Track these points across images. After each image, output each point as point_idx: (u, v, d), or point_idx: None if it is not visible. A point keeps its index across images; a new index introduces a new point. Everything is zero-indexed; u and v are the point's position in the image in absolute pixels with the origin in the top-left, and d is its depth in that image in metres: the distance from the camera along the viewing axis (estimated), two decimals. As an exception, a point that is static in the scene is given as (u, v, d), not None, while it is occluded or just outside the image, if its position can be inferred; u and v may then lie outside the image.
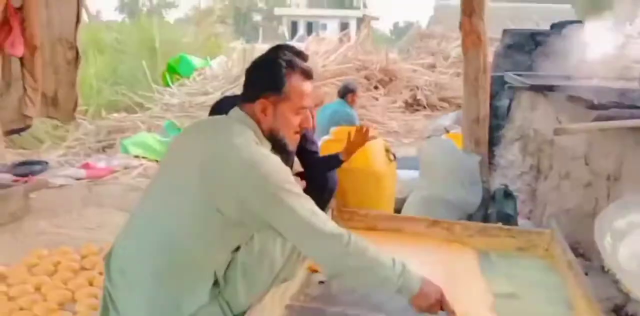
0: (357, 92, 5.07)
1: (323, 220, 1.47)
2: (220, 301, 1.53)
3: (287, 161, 2.33)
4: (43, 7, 4.45)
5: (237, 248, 1.59)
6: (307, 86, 1.59)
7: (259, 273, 1.61)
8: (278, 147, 1.60)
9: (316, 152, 2.71)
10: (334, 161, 2.65)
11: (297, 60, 1.58)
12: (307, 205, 1.46)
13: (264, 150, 1.50)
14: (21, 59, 4.32)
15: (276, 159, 1.48)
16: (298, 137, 1.65)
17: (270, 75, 1.55)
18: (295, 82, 1.55)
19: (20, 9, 4.22)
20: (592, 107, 2.57)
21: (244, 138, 1.48)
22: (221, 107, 2.42)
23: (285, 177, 1.46)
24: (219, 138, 1.49)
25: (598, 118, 2.38)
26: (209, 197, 1.43)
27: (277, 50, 1.60)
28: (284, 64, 1.54)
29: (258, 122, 1.55)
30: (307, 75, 1.59)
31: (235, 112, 1.59)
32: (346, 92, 5.00)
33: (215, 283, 1.52)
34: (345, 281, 1.65)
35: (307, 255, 1.56)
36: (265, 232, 1.59)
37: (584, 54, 3.79)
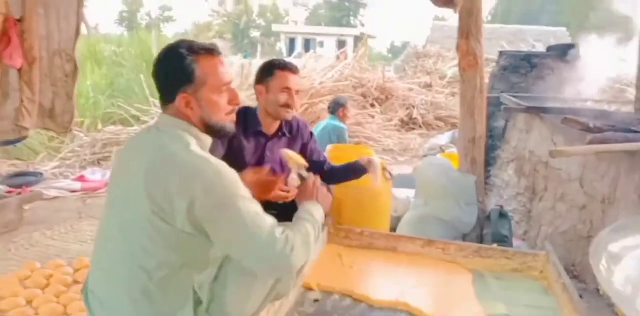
0: (347, 106, 5.00)
1: (267, 228, 1.39)
2: None
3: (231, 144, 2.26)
4: (43, 20, 4.46)
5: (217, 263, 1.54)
6: (218, 62, 1.50)
7: (252, 290, 1.58)
8: (217, 133, 1.53)
9: (325, 161, 2.63)
10: (359, 168, 2.52)
11: (196, 43, 1.50)
12: (253, 220, 1.39)
13: (203, 153, 1.43)
14: (19, 71, 4.32)
15: (216, 163, 1.40)
16: (233, 116, 1.57)
17: (177, 68, 1.45)
18: (204, 63, 1.47)
19: (19, 20, 4.23)
20: (588, 129, 2.60)
21: (180, 143, 1.42)
22: None
23: (228, 185, 1.38)
24: (155, 149, 1.42)
25: (593, 142, 2.41)
26: (158, 211, 1.36)
27: (173, 45, 1.51)
28: (185, 52, 1.46)
29: (188, 119, 1.48)
30: (213, 52, 1.50)
31: (162, 118, 1.51)
32: (336, 107, 4.97)
33: (198, 301, 1.47)
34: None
35: (246, 262, 1.44)
36: None
37: (579, 76, 3.85)
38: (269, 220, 1.42)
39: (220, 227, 1.37)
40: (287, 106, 2.34)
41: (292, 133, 2.52)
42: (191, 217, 1.35)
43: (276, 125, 2.44)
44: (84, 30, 4.95)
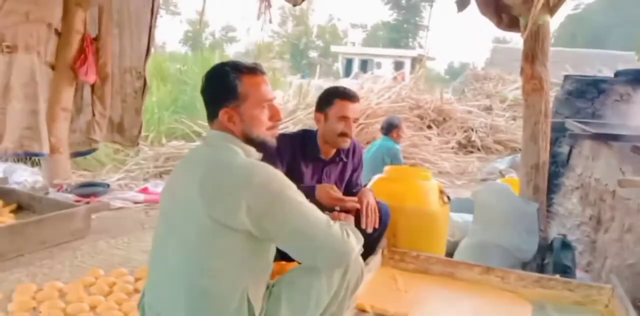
0: (402, 126, 4.93)
1: (326, 224, 1.51)
2: None
3: (273, 160, 2.30)
4: (116, 38, 4.73)
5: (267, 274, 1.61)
6: (260, 80, 1.60)
7: (305, 309, 1.59)
8: (258, 146, 1.62)
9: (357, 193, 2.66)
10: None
11: (241, 62, 1.61)
12: (311, 211, 1.50)
13: (253, 160, 1.55)
14: (92, 86, 4.59)
15: (267, 166, 1.50)
16: (275, 131, 1.66)
17: (221, 84, 1.57)
18: (246, 80, 1.57)
19: (95, 39, 4.50)
20: (659, 159, 2.49)
21: (229, 152, 1.52)
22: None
23: (281, 182, 1.48)
24: (207, 161, 1.51)
25: (666, 172, 2.30)
26: (217, 216, 1.42)
27: (219, 64, 1.63)
28: (229, 69, 1.57)
29: (232, 132, 1.57)
30: (256, 70, 1.60)
31: (209, 133, 1.61)
32: (390, 128, 4.92)
33: (252, 311, 1.51)
34: None
35: (309, 252, 1.53)
36: (309, 267, 1.60)
37: (650, 103, 3.70)
38: (319, 212, 1.54)
39: (281, 218, 1.45)
40: (344, 135, 2.39)
41: (348, 158, 2.57)
42: (251, 214, 1.42)
43: (333, 150, 2.50)
44: (152, 49, 5.21)
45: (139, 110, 4.90)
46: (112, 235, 3.36)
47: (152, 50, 5.14)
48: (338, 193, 2.22)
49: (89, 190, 4.16)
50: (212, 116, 1.60)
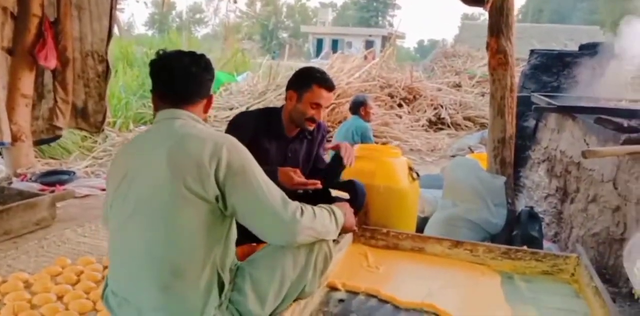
0: (368, 102, 4.93)
1: (281, 202, 1.52)
2: (231, 308, 1.55)
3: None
4: (76, 21, 4.57)
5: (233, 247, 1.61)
6: None
7: (268, 286, 1.61)
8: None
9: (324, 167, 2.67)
10: (336, 164, 2.54)
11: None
12: (270, 188, 1.53)
13: (222, 133, 1.62)
14: (53, 72, 4.43)
15: (235, 139, 1.56)
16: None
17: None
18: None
19: (54, 22, 4.34)
20: (621, 129, 2.53)
21: (198, 127, 1.57)
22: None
23: (247, 155, 1.54)
24: (176, 133, 1.52)
25: (627, 141, 2.34)
26: (188, 182, 1.43)
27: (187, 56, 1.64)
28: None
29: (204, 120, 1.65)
30: None
31: (169, 111, 1.59)
32: (357, 106, 4.93)
33: (221, 282, 1.53)
34: None
35: (259, 230, 1.55)
36: (276, 247, 1.63)
37: (613, 75, 3.75)
38: (280, 190, 1.56)
39: (242, 190, 1.49)
40: (312, 120, 2.38)
41: (313, 135, 2.55)
42: (216, 180, 1.45)
43: (297, 129, 2.47)
44: (116, 31, 5.05)
45: (102, 95, 4.76)
46: (79, 223, 3.29)
47: (115, 32, 4.99)
48: (300, 177, 2.20)
49: (54, 179, 4.06)
50: (192, 99, 1.62)
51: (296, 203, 1.56)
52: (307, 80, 2.37)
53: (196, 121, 1.59)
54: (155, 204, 1.46)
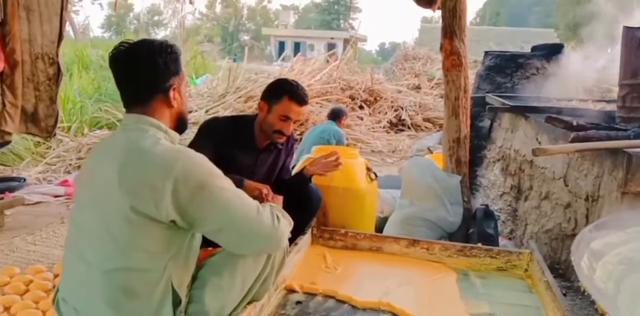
0: (347, 115, 5.61)
1: (256, 211, 1.46)
2: None
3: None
4: (25, 23, 4.41)
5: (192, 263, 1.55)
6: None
7: (230, 291, 1.57)
8: (184, 127, 1.58)
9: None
10: (302, 180, 2.56)
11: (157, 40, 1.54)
12: (239, 198, 1.45)
13: (177, 146, 1.46)
14: (1, 75, 4.27)
15: (191, 151, 1.43)
16: None
17: (162, 62, 1.47)
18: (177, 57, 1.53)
19: (1, 24, 4.19)
20: (571, 128, 2.60)
21: (152, 139, 1.42)
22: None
23: (207, 169, 1.42)
24: (125, 148, 1.41)
25: (576, 140, 2.41)
26: (138, 205, 1.35)
27: (142, 41, 1.51)
28: (158, 46, 1.48)
29: (162, 116, 1.49)
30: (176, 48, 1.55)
31: (130, 117, 1.49)
32: (339, 114, 5.47)
33: (177, 301, 1.46)
34: None
35: (235, 244, 1.49)
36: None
37: (564, 76, 3.86)
38: (248, 197, 1.49)
39: (208, 207, 1.39)
40: (280, 133, 2.35)
41: (283, 145, 2.54)
42: (175, 203, 1.35)
43: (268, 140, 2.44)
44: (70, 34, 4.91)
45: (54, 98, 4.60)
46: (29, 231, 3.18)
47: (67, 34, 4.85)
48: (269, 193, 2.23)
49: (3, 186, 3.92)
50: (143, 99, 1.48)
51: (267, 210, 1.50)
52: (279, 92, 2.33)
53: (156, 128, 1.46)
54: (106, 219, 1.39)
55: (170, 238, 1.42)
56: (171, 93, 1.49)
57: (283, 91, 2.32)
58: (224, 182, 1.44)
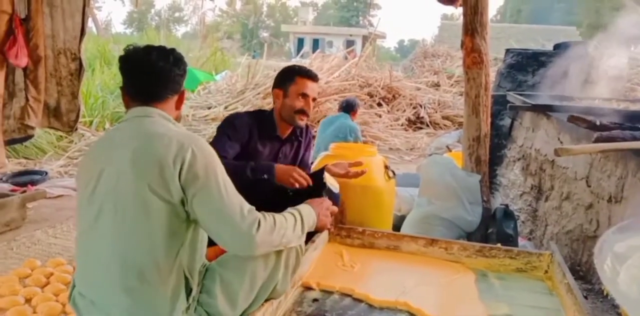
0: (360, 107, 5.23)
1: (240, 212, 1.46)
2: (200, 310, 1.52)
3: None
4: (48, 19, 4.47)
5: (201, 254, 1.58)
6: None
7: (239, 288, 1.59)
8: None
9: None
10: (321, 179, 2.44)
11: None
12: (232, 194, 1.47)
13: (189, 132, 1.56)
14: (24, 70, 4.34)
15: (201, 139, 1.52)
16: None
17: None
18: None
19: (25, 20, 4.25)
20: (594, 127, 2.56)
21: (166, 126, 1.52)
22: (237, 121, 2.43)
23: (213, 158, 1.49)
24: (142, 133, 1.47)
25: (599, 140, 2.36)
26: (154, 185, 1.39)
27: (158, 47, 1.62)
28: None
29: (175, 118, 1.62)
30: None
31: (139, 109, 1.55)
32: (352, 107, 5.20)
33: (189, 286, 1.49)
34: None
35: (218, 238, 1.50)
36: None
37: (587, 74, 3.79)
38: (241, 198, 1.51)
39: (205, 195, 1.43)
40: (302, 112, 2.42)
41: (302, 137, 2.60)
42: (180, 181, 1.41)
43: (289, 129, 2.51)
44: (92, 30, 4.96)
45: (75, 93, 4.67)
46: (51, 224, 3.23)
47: (88, 30, 4.90)
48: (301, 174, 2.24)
49: (26, 179, 3.98)
50: (159, 95, 1.57)
51: (255, 215, 1.49)
52: (290, 75, 2.43)
53: (166, 119, 1.55)
54: (119, 206, 1.42)
55: (179, 224, 1.46)
56: (181, 96, 1.63)
57: (294, 72, 2.44)
58: (222, 176, 1.49)
